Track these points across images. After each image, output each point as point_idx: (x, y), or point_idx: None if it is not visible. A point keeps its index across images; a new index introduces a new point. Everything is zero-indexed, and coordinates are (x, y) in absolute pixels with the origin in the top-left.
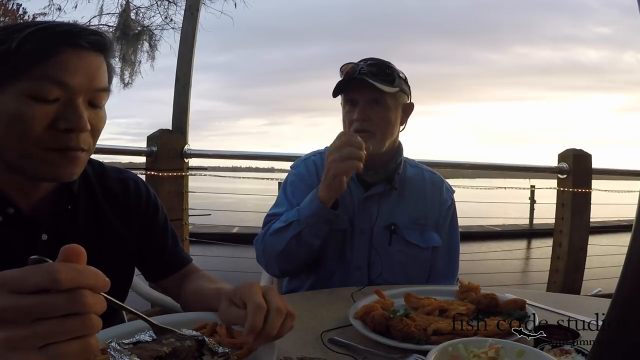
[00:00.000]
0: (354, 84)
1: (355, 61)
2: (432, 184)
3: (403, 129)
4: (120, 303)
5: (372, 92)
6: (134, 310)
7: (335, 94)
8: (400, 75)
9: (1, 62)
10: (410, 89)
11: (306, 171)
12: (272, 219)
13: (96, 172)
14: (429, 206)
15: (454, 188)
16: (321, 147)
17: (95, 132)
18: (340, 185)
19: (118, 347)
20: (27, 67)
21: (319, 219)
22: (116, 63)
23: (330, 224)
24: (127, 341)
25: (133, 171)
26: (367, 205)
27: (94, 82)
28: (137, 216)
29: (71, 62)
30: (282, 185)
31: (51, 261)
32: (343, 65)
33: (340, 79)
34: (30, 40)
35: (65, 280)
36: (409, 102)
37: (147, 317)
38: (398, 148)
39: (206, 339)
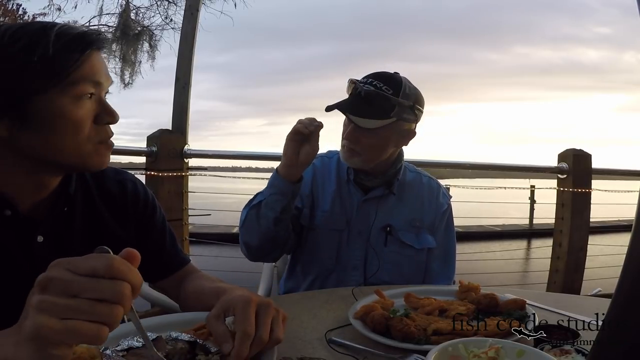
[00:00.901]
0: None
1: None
2: (429, 187)
3: (405, 145)
4: (138, 319)
5: (353, 118)
6: (145, 333)
7: (327, 111)
8: (405, 103)
9: (38, 69)
10: (420, 113)
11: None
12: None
13: (94, 174)
14: (426, 209)
15: (451, 193)
16: (321, 147)
17: None
18: (290, 156)
19: (112, 355)
20: (68, 71)
21: (276, 189)
22: (116, 63)
23: (286, 197)
24: (119, 348)
25: (133, 171)
26: (365, 207)
27: (109, 79)
28: (134, 217)
29: (97, 63)
30: None
31: (112, 253)
32: (349, 79)
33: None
34: (67, 45)
35: (117, 270)
36: (411, 129)
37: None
38: (398, 155)
39: (198, 340)
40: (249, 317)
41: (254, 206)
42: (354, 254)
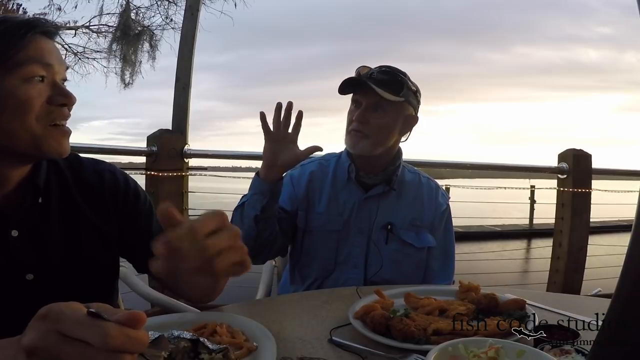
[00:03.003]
0: (359, 86)
1: (371, 65)
2: (428, 188)
3: (405, 139)
4: None
5: (375, 97)
6: None
7: (340, 92)
8: (411, 87)
9: None
10: (420, 103)
11: (299, 175)
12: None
13: (71, 164)
14: (425, 208)
15: (451, 193)
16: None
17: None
18: (268, 157)
19: None
20: (9, 53)
21: (255, 190)
22: (117, 63)
23: (265, 196)
24: None
25: (133, 171)
26: (366, 205)
27: (63, 64)
28: (114, 207)
29: (45, 46)
30: None
31: (106, 318)
32: (359, 67)
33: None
34: (7, 30)
35: (113, 345)
36: (414, 114)
37: None
38: (397, 153)
39: (200, 338)
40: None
41: (239, 207)
42: (354, 252)
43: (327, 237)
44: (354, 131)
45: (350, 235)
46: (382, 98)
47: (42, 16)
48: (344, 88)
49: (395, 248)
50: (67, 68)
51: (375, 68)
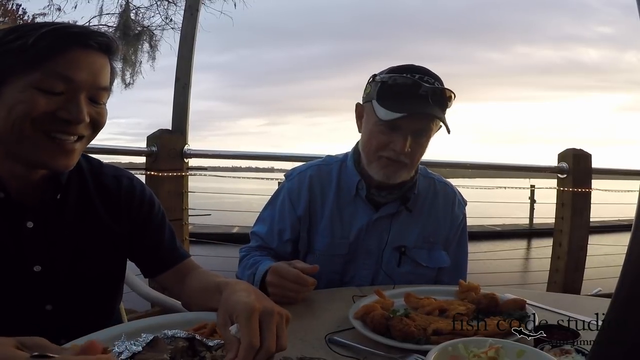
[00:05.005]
0: (418, 108)
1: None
2: (444, 197)
3: None
4: None
5: (423, 121)
6: None
7: (388, 108)
8: (453, 99)
9: (16, 56)
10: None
11: (298, 188)
12: (254, 239)
13: (93, 168)
14: (440, 223)
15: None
16: (322, 147)
17: (97, 126)
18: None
19: None
20: (39, 62)
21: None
22: (116, 63)
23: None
24: (123, 357)
25: (133, 171)
26: (377, 226)
27: (97, 81)
28: (128, 212)
29: (79, 60)
30: (272, 198)
31: (56, 356)
32: (414, 80)
33: (377, 86)
34: (45, 38)
35: None
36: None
37: None
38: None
39: (196, 336)
40: (253, 327)
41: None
42: (360, 273)
43: (331, 260)
44: (391, 161)
45: (357, 257)
46: (432, 122)
47: (96, 27)
48: (396, 104)
49: (408, 270)
50: (104, 88)
51: (423, 79)
